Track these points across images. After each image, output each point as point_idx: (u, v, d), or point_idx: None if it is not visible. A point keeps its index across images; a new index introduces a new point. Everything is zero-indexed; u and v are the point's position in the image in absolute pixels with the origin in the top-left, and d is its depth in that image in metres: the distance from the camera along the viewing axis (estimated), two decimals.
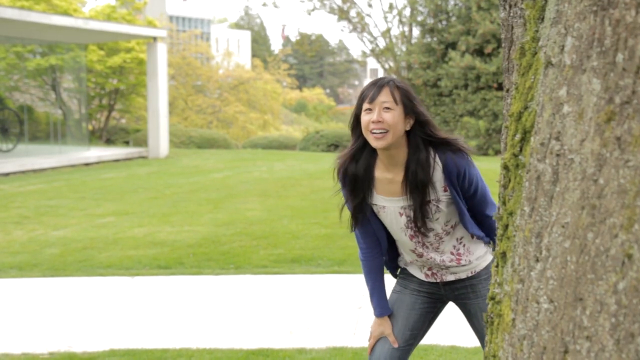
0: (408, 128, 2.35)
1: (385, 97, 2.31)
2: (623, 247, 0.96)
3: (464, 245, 2.49)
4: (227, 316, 4.94)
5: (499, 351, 1.33)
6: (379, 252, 2.57)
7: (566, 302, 1.07)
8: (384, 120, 2.29)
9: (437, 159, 2.38)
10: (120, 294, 5.53)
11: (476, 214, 2.48)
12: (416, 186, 2.35)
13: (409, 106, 2.34)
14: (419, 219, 2.39)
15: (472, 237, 2.50)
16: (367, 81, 57.09)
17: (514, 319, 1.26)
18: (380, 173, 2.43)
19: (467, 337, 4.24)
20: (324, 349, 4.23)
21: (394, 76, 2.59)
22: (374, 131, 2.29)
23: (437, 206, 2.40)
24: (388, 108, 2.30)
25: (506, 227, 1.36)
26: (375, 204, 2.47)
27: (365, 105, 2.32)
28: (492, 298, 1.39)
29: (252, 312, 5.02)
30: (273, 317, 4.88)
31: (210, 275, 6.08)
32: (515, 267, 1.27)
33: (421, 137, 2.37)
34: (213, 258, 6.64)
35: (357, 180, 2.43)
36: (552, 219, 1.15)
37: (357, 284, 5.67)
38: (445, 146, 2.39)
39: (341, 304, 5.15)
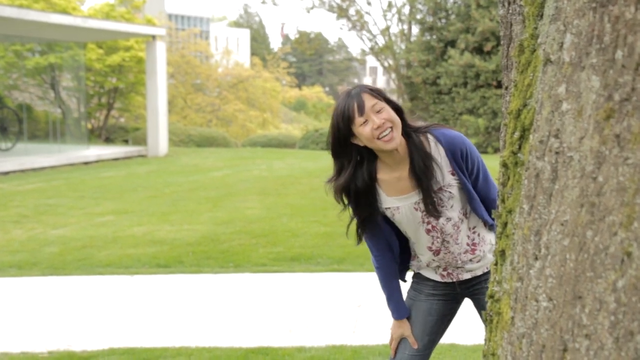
0: None
1: (370, 101, 2.30)
2: (622, 244, 0.95)
3: (478, 235, 2.49)
4: (226, 314, 4.94)
5: (498, 349, 1.33)
6: (392, 257, 2.58)
7: (565, 300, 1.07)
8: (385, 119, 2.29)
9: (431, 138, 2.39)
10: (120, 293, 5.53)
11: (482, 200, 2.48)
12: (422, 167, 2.35)
13: (388, 100, 2.35)
14: (430, 203, 2.38)
15: (485, 225, 2.50)
16: (366, 79, 57.06)
17: (513, 317, 1.25)
18: (387, 174, 2.43)
19: (466, 335, 4.25)
20: (324, 347, 4.23)
21: (364, 83, 2.62)
22: (381, 136, 2.28)
23: (450, 192, 2.40)
24: (380, 109, 2.30)
25: (505, 224, 1.36)
26: (389, 207, 2.46)
27: (359, 120, 2.29)
28: (491, 296, 1.39)
29: (251, 310, 5.02)
30: (272, 316, 4.88)
31: (209, 273, 6.07)
32: (514, 265, 1.27)
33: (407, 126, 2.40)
34: (212, 256, 6.63)
35: (359, 196, 2.43)
36: (551, 217, 1.14)
37: (356, 282, 5.67)
38: (432, 127, 2.42)
39: (340, 302, 5.14)
